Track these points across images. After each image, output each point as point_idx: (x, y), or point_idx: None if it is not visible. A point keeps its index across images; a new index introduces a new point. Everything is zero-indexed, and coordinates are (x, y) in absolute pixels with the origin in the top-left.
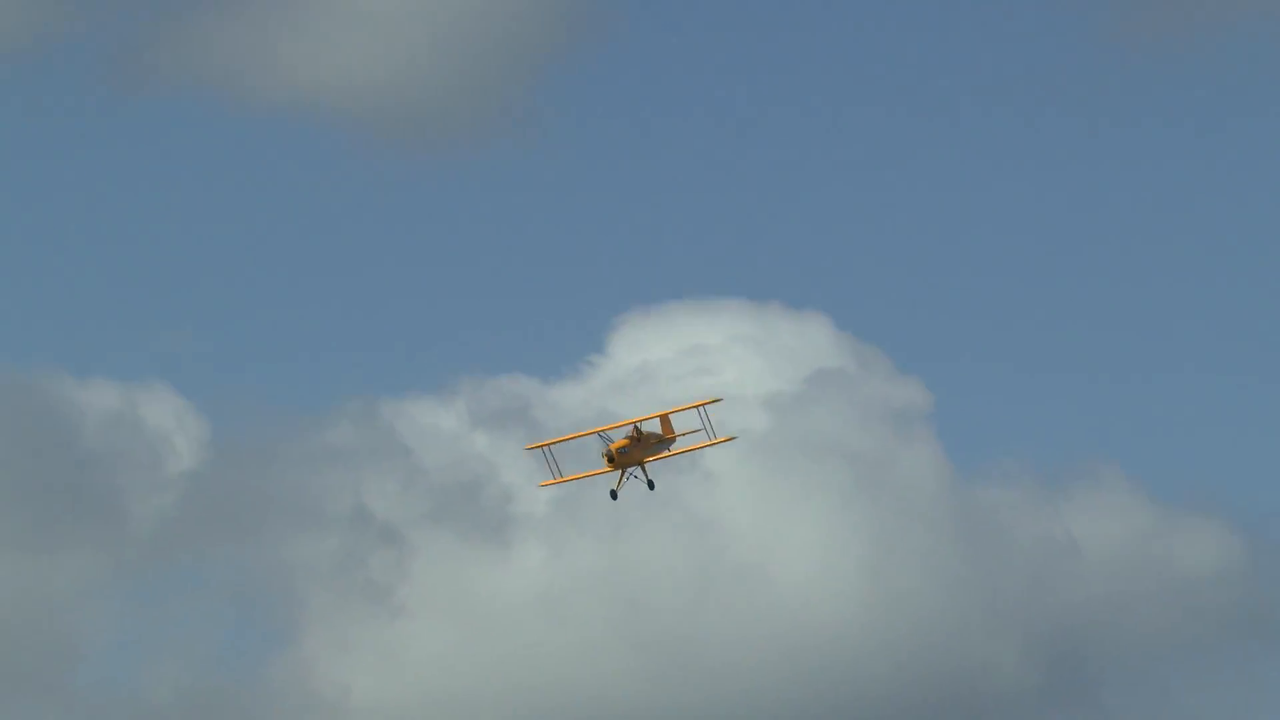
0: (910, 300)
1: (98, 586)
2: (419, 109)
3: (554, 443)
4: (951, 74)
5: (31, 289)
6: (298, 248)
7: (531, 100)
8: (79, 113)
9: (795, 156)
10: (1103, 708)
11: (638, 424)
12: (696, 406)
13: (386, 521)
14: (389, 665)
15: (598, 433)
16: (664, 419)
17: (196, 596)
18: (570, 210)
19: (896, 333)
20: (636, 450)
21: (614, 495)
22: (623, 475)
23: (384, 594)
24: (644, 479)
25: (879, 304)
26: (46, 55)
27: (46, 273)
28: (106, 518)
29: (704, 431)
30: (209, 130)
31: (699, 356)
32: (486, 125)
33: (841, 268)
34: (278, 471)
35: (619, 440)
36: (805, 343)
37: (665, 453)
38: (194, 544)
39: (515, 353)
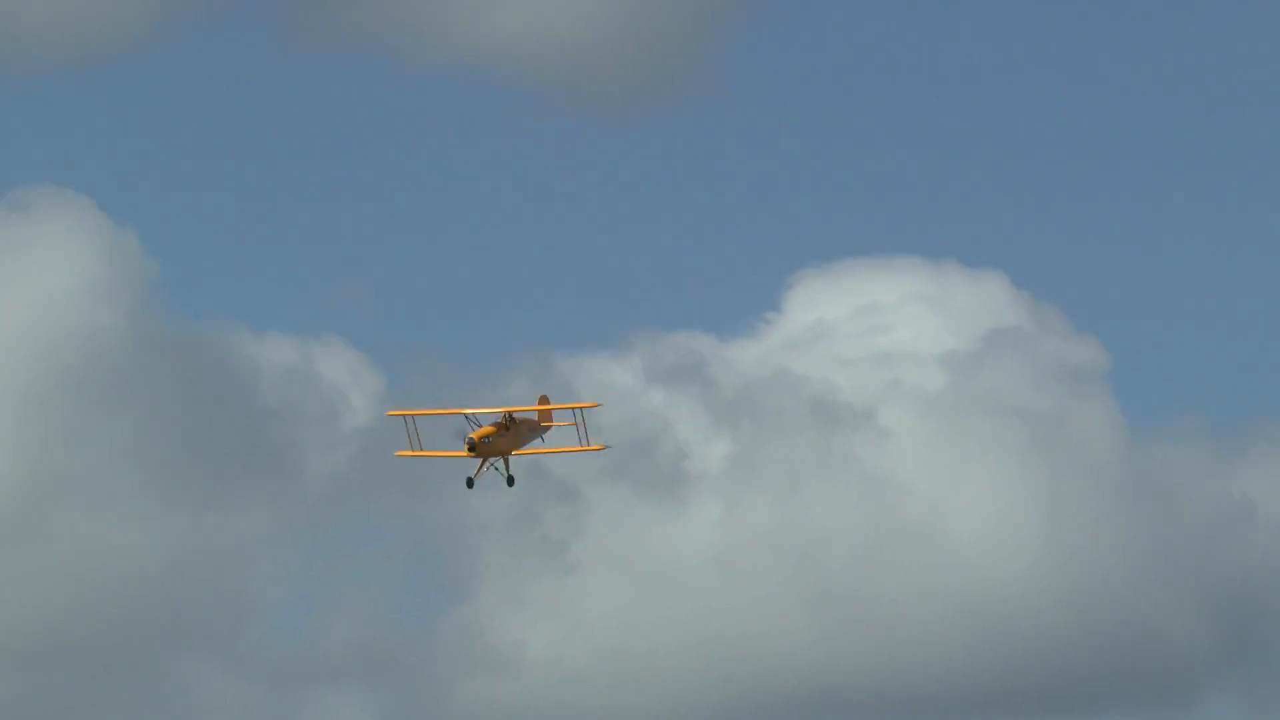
0: (1088, 259)
1: (273, 542)
2: (598, 64)
3: (417, 414)
4: (1129, 38)
5: (209, 243)
6: (474, 203)
7: (710, 55)
8: (258, 69)
9: (973, 113)
10: (1277, 669)
11: (511, 412)
12: (574, 408)
13: (562, 478)
14: (564, 621)
15: (465, 414)
16: (541, 404)
17: (372, 552)
18: (747, 166)
19: (1074, 291)
20: (502, 441)
21: (470, 484)
22: (483, 464)
23: (559, 550)
24: (504, 473)
25: (1056, 262)
26: (228, 12)
27: (224, 227)
28: (282, 473)
29: (577, 428)
30: (387, 86)
31: (874, 314)
32: (665, 81)
33: (1019, 226)
34: (454, 427)
35: (484, 428)
36: (981, 301)
37: (538, 446)
38: (369, 499)
39: (691, 309)
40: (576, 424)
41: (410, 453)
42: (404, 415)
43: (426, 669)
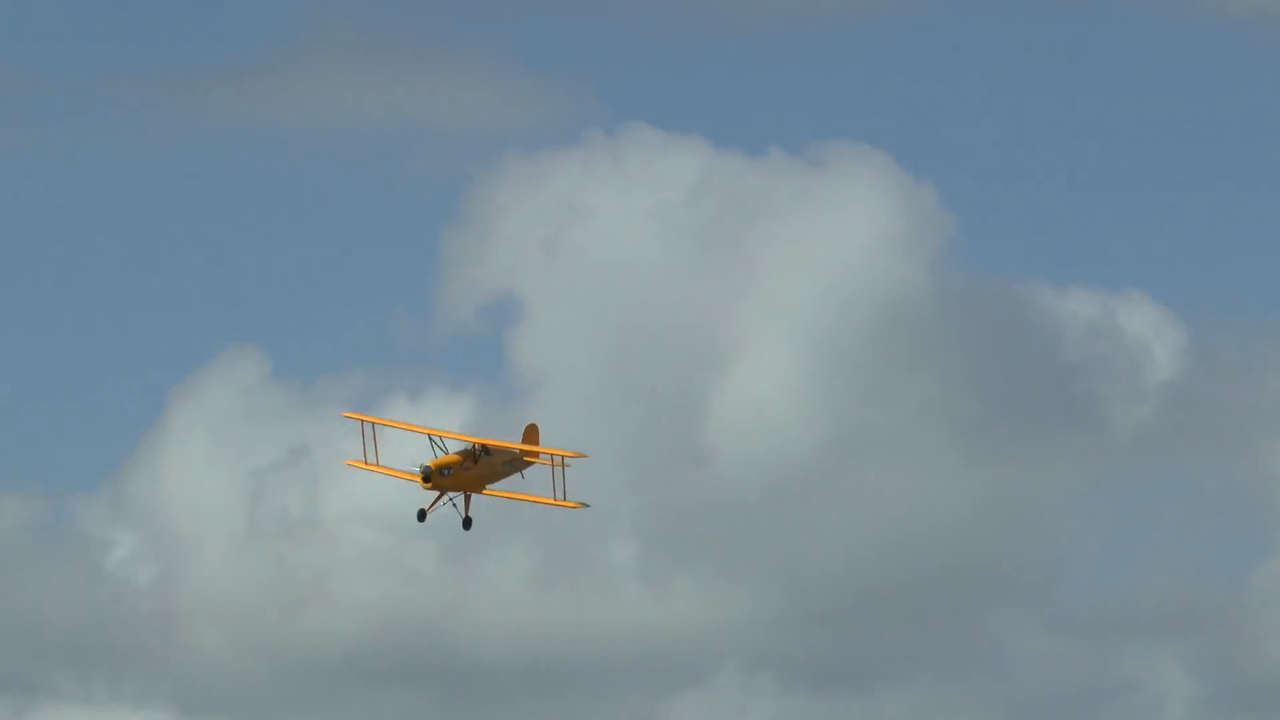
0: None
1: (1080, 497)
2: None
3: (376, 421)
4: None
5: (1007, 197)
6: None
7: None
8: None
9: None
10: None
11: (484, 444)
12: (554, 454)
13: None
14: None
15: (430, 434)
16: (530, 436)
17: (1178, 506)
18: None
19: None
20: (466, 475)
21: (421, 516)
22: (439, 497)
23: None
24: (461, 512)
25: None
26: None
27: (1021, 180)
28: (1088, 428)
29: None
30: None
31: None
32: None
33: None
34: (1258, 379)
35: (446, 456)
36: None
37: (513, 489)
38: (1175, 453)
39: None
40: (554, 471)
41: (359, 463)
42: (360, 420)
43: (1237, 623)
